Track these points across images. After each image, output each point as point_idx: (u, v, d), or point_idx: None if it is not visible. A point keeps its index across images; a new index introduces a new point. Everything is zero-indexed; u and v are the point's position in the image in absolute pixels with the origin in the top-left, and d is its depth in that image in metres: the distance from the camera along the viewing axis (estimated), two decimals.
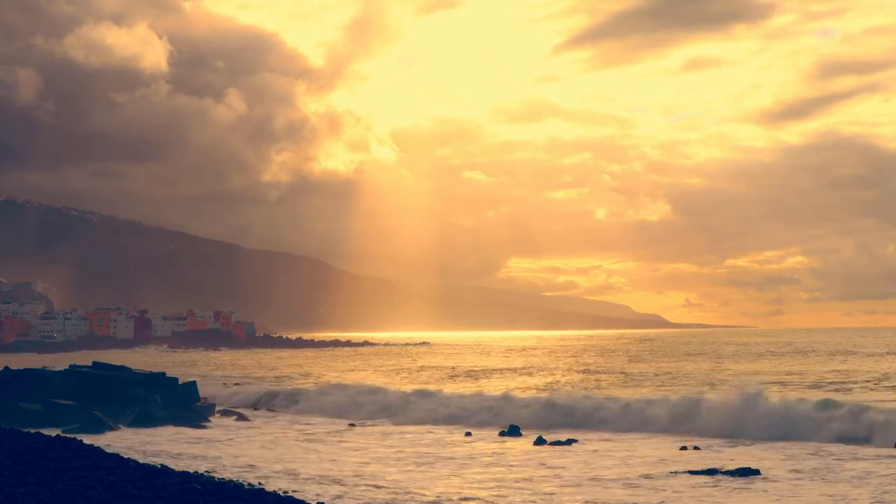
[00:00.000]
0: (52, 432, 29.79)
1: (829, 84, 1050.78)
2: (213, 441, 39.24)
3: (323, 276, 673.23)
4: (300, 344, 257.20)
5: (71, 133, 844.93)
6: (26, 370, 50.39)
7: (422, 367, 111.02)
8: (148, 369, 58.15)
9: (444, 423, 45.59)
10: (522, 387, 71.79)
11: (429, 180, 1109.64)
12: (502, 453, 34.40)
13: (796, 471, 28.88)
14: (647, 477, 28.09)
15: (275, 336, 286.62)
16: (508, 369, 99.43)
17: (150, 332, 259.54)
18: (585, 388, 68.45)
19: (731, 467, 28.93)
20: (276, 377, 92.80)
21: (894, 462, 30.32)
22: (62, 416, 43.47)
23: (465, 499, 24.55)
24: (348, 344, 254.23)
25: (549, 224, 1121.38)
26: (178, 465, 28.74)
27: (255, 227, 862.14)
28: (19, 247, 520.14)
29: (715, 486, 26.44)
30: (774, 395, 45.83)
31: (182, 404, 48.40)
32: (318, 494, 24.53)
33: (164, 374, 52.49)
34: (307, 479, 27.59)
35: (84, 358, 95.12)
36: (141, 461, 24.08)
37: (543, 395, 60.20)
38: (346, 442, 38.93)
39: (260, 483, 25.54)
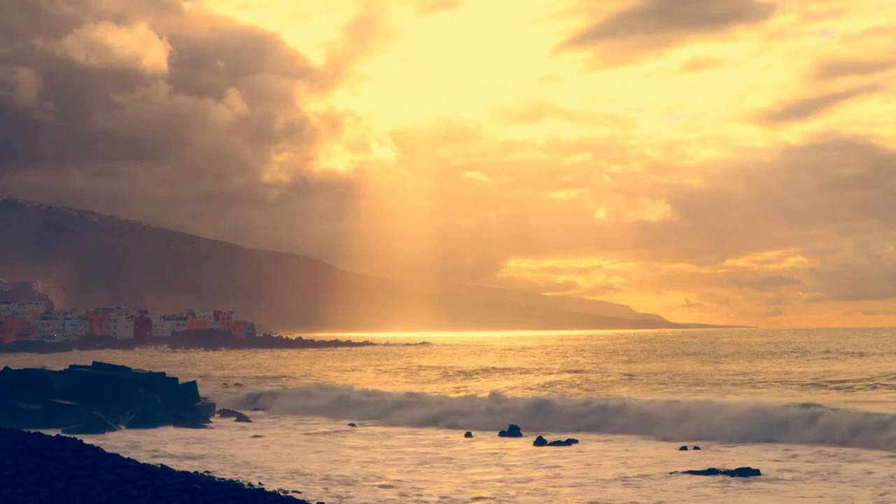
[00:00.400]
0: (52, 432, 29.75)
1: (828, 84, 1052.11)
2: (213, 441, 39.23)
3: (323, 276, 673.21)
4: (300, 344, 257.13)
5: (71, 133, 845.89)
6: (26, 370, 50.37)
7: (420, 366, 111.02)
8: (148, 369, 58.13)
9: (431, 425, 45.41)
10: (513, 387, 71.79)
11: (429, 180, 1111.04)
12: (503, 454, 34.39)
13: (797, 471, 28.88)
14: (648, 477, 28.09)
15: (275, 336, 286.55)
16: (505, 369, 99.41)
17: (150, 332, 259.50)
18: (572, 388, 68.43)
19: (732, 467, 28.93)
20: (276, 377, 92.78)
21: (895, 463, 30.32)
22: (62, 416, 43.47)
23: (474, 499, 24.55)
24: (348, 344, 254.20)
25: (549, 224, 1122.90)
26: (179, 466, 28.73)
27: (255, 227, 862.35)
28: (19, 247, 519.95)
29: (715, 486, 26.43)
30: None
31: (182, 404, 48.40)
32: (322, 494, 24.51)
33: (164, 374, 52.49)
34: (311, 479, 27.58)
35: (84, 358, 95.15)
36: (141, 461, 24.07)
37: (533, 395, 60.26)
38: (347, 442, 38.92)
39: (260, 483, 25.54)
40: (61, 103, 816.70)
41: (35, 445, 23.46)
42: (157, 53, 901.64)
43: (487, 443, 38.33)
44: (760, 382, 70.27)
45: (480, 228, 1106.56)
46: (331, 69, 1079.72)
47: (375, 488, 26.02)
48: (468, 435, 40.91)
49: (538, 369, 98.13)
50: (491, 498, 24.67)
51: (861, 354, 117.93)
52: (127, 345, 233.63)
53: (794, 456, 32.30)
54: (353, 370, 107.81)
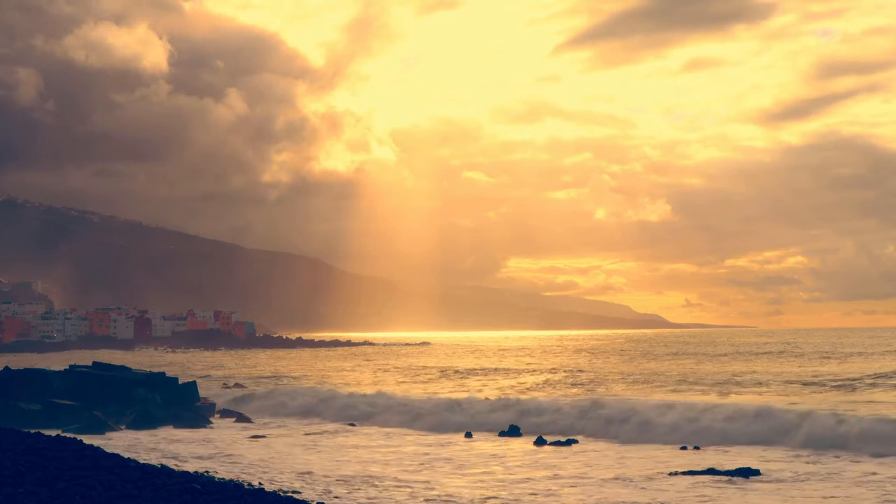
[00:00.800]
0: (52, 432, 29.76)
1: (828, 84, 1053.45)
2: (214, 441, 39.22)
3: (323, 276, 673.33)
4: (300, 344, 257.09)
5: (71, 133, 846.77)
6: (26, 370, 50.35)
7: (420, 367, 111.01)
8: (148, 369, 58.12)
9: (427, 426, 45.25)
10: (511, 386, 71.78)
11: (429, 180, 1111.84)
12: (503, 454, 34.38)
13: (798, 472, 28.86)
14: (648, 477, 28.09)
15: (275, 336, 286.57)
16: (504, 370, 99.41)
17: (150, 332, 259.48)
18: (571, 388, 68.43)
19: (732, 467, 28.92)
20: (275, 377, 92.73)
21: None
22: (62, 416, 43.46)
23: (480, 498, 24.55)
24: (348, 344, 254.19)
25: (549, 224, 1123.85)
26: (180, 466, 28.74)
27: (255, 227, 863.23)
28: (19, 247, 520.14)
29: (715, 486, 26.43)
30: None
31: (182, 404, 48.39)
32: (328, 494, 24.50)
33: (164, 374, 52.49)
34: (316, 479, 27.57)
35: (84, 358, 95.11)
36: (142, 461, 24.07)
37: (532, 395, 60.24)
38: (348, 442, 38.90)
39: (261, 484, 25.54)
40: (61, 103, 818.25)
41: (35, 445, 23.47)
42: (157, 53, 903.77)
43: (488, 443, 38.32)
44: (758, 382, 70.25)
45: (480, 228, 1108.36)
46: (331, 69, 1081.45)
47: (381, 488, 26.00)
48: (468, 435, 40.90)
49: (537, 369, 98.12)
50: (495, 497, 24.66)
51: (860, 354, 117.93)
52: (127, 345, 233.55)
53: (795, 457, 32.26)
54: (353, 370, 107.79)
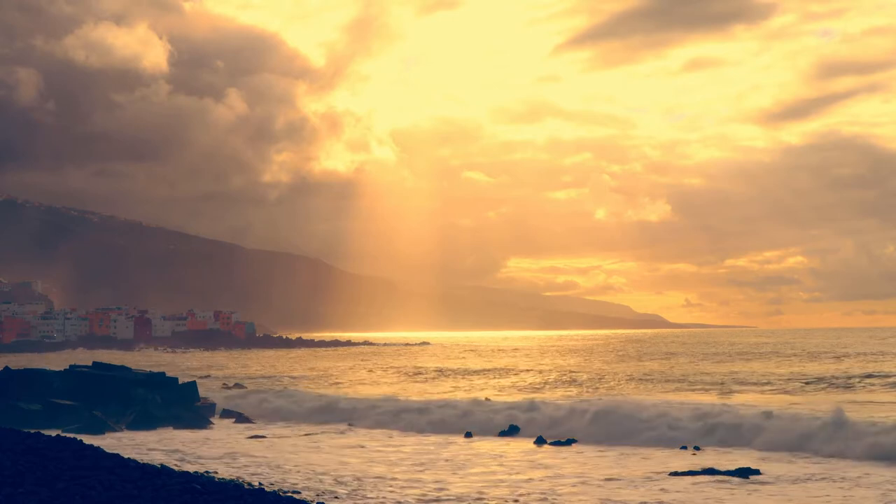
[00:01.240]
0: (52, 432, 29.75)
1: (828, 84, 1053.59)
2: (214, 441, 39.22)
3: (323, 276, 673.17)
4: (300, 344, 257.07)
5: (71, 133, 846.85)
6: (26, 370, 50.33)
7: (421, 367, 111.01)
8: (148, 369, 58.10)
9: (425, 428, 45.15)
10: (511, 386, 71.81)
11: (429, 180, 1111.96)
12: (503, 454, 34.37)
13: (798, 472, 28.84)
14: (648, 477, 28.09)
15: (275, 336, 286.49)
16: (503, 370, 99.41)
17: (150, 332, 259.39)
18: (569, 388, 68.45)
19: (732, 467, 28.91)
20: (275, 377, 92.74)
21: None
22: (62, 416, 43.46)
23: (485, 498, 24.56)
24: (348, 344, 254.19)
25: (549, 224, 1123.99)
26: (180, 466, 28.74)
27: (255, 227, 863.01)
28: (19, 247, 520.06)
29: (715, 486, 26.43)
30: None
31: (182, 404, 48.38)
32: (335, 494, 24.49)
33: (164, 373, 52.45)
34: (320, 479, 27.58)
35: (84, 358, 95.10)
36: (142, 461, 24.07)
37: (531, 395, 60.25)
38: (349, 442, 38.90)
39: (260, 484, 25.54)
40: (61, 103, 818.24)
41: (35, 445, 23.47)
42: (157, 53, 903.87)
43: (487, 443, 38.32)
44: (757, 382, 70.25)
45: (480, 228, 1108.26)
46: (331, 69, 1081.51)
47: (384, 488, 26.01)
48: (468, 435, 40.89)
49: (536, 369, 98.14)
50: (499, 498, 24.66)
51: (858, 354, 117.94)
52: (127, 345, 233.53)
53: (795, 457, 32.21)
54: (352, 370, 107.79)
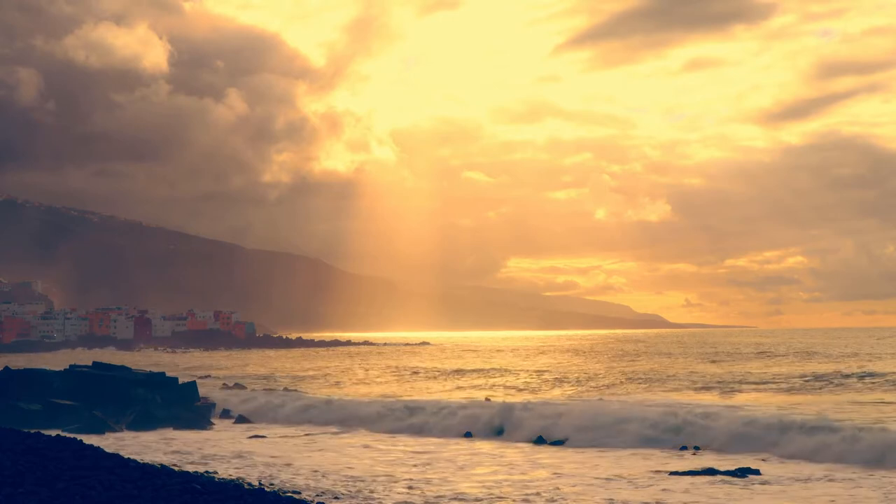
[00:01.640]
0: (52, 432, 29.74)
1: (828, 84, 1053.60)
2: (214, 441, 39.23)
3: (323, 276, 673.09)
4: (300, 344, 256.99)
5: (71, 133, 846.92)
6: (26, 370, 50.36)
7: (420, 367, 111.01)
8: (148, 369, 58.10)
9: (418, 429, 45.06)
10: (510, 386, 71.82)
11: (429, 180, 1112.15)
12: (503, 455, 34.38)
13: (798, 472, 28.84)
14: (649, 477, 28.11)
15: (275, 336, 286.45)
16: (502, 370, 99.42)
17: (150, 332, 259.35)
18: (568, 389, 68.45)
19: (732, 468, 28.92)
20: (275, 377, 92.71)
21: None
22: (62, 416, 43.47)
23: (489, 497, 24.59)
24: (348, 344, 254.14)
25: (549, 224, 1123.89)
26: (181, 466, 28.74)
27: (255, 227, 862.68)
28: (19, 247, 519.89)
29: (715, 486, 26.44)
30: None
31: (182, 404, 48.40)
32: (333, 493, 24.50)
33: (164, 373, 52.47)
34: (321, 479, 27.60)
35: (84, 358, 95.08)
36: (142, 462, 24.07)
37: (530, 396, 60.22)
38: (349, 443, 38.93)
39: (260, 484, 25.54)
40: (61, 103, 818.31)
41: (35, 445, 23.47)
42: (157, 53, 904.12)
43: (487, 443, 38.29)
44: (756, 383, 70.23)
45: (480, 228, 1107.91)
46: (331, 69, 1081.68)
47: (387, 488, 26.02)
48: (468, 435, 40.89)
49: (536, 370, 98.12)
50: (504, 497, 24.68)
51: (855, 354, 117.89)
52: (127, 345, 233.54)
53: (795, 458, 32.17)
54: (352, 370, 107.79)
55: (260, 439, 39.82)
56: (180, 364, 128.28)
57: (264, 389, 67.54)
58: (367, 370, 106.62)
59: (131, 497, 17.96)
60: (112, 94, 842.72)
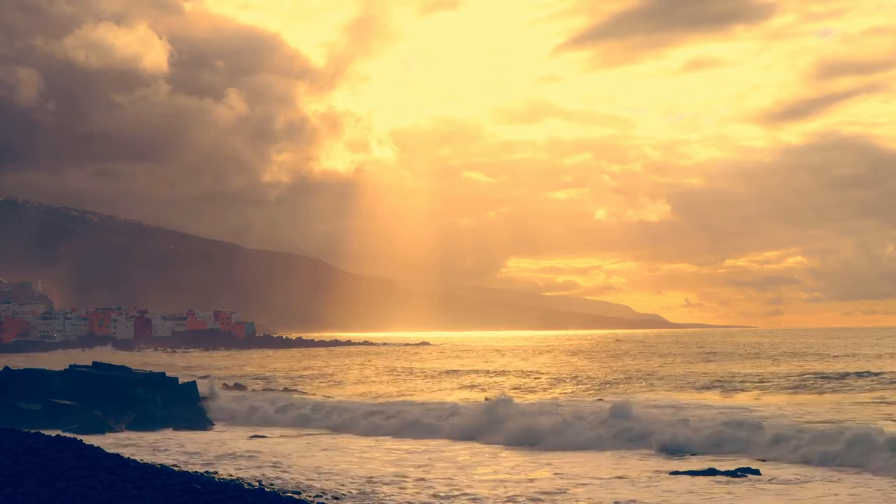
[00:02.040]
0: (52, 432, 29.71)
1: (828, 84, 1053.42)
2: (214, 441, 39.22)
3: (323, 276, 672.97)
4: (300, 344, 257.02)
5: (71, 133, 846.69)
6: (26, 370, 50.34)
7: (419, 368, 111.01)
8: (148, 369, 58.07)
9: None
10: (511, 387, 71.82)
11: (429, 180, 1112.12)
12: (505, 455, 34.38)
13: (799, 472, 28.82)
14: (649, 477, 28.10)
15: (275, 336, 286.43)
16: (499, 370, 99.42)
17: (150, 332, 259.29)
18: (567, 389, 68.45)
19: (732, 468, 28.90)
20: (275, 377, 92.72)
21: None
22: (62, 416, 43.44)
23: (493, 497, 24.57)
24: (348, 344, 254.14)
25: (549, 224, 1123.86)
26: (181, 466, 28.72)
27: (255, 227, 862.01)
28: (19, 247, 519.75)
29: (715, 486, 26.43)
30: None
31: (182, 404, 48.37)
32: (334, 494, 24.48)
33: (164, 373, 52.44)
34: (325, 478, 27.57)
35: (84, 358, 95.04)
36: (142, 461, 24.05)
37: (527, 396, 60.23)
38: (349, 444, 38.92)
39: (260, 483, 25.52)
40: (61, 103, 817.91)
41: (35, 445, 23.45)
42: (158, 53, 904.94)
43: (487, 444, 38.20)
44: (755, 383, 70.25)
45: (480, 228, 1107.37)
46: (331, 69, 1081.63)
47: (391, 487, 26.02)
48: (467, 436, 40.76)
49: (536, 370, 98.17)
50: (511, 498, 24.68)
51: (854, 355, 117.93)
52: (127, 345, 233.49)
53: (794, 458, 32.13)
54: (352, 371, 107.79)
55: (260, 439, 39.80)
56: (180, 364, 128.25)
57: (264, 389, 67.55)
58: (367, 370, 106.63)
59: (131, 497, 17.95)
60: (112, 94, 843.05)
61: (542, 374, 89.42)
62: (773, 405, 50.48)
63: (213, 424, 46.70)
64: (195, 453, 34.62)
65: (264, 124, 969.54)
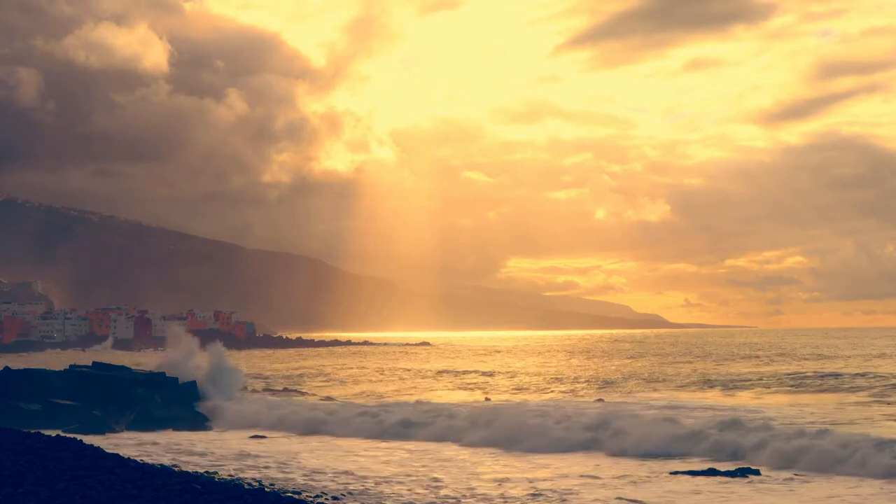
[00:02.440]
0: (52, 432, 29.72)
1: (828, 84, 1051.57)
2: (215, 441, 39.22)
3: (323, 276, 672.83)
4: (300, 344, 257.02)
5: (71, 133, 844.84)
6: (26, 370, 50.33)
7: (419, 369, 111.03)
8: (148, 369, 58.06)
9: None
10: (511, 388, 71.82)
11: (429, 180, 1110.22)
12: (506, 456, 34.36)
13: (799, 472, 28.82)
14: (650, 477, 28.10)
15: (275, 336, 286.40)
16: (498, 371, 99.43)
17: (150, 332, 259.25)
18: (565, 390, 68.45)
19: (732, 468, 28.91)
20: (275, 377, 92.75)
21: None
22: (62, 416, 43.45)
23: (499, 497, 24.58)
24: (348, 344, 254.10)
25: (549, 224, 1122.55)
26: (181, 466, 28.73)
27: (255, 227, 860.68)
28: (19, 247, 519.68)
29: (715, 485, 26.44)
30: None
31: (182, 404, 48.38)
32: (334, 494, 24.50)
33: (164, 374, 52.43)
34: (328, 479, 27.60)
35: (84, 358, 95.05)
36: (142, 461, 24.05)
37: (525, 397, 60.27)
38: (349, 443, 38.93)
39: (260, 483, 25.53)
40: (62, 103, 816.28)
41: (35, 445, 23.45)
42: (158, 53, 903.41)
43: (487, 445, 38.19)
44: (750, 383, 70.26)
45: (480, 228, 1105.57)
46: (331, 69, 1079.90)
47: (392, 489, 26.01)
48: (467, 437, 40.76)
49: (535, 371, 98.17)
50: (520, 496, 24.68)
51: (853, 355, 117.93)
52: (127, 345, 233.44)
53: (795, 459, 32.12)
54: (351, 371, 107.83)
55: (260, 440, 39.81)
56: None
57: (264, 390, 67.57)
58: (366, 370, 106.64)
59: (131, 497, 17.95)
60: (112, 94, 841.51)
61: (540, 374, 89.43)
62: (772, 405, 50.55)
63: (213, 425, 46.67)
64: (195, 453, 34.63)
65: (264, 124, 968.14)
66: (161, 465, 25.41)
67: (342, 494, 24.80)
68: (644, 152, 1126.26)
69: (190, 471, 25.73)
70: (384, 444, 37.94)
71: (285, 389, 69.54)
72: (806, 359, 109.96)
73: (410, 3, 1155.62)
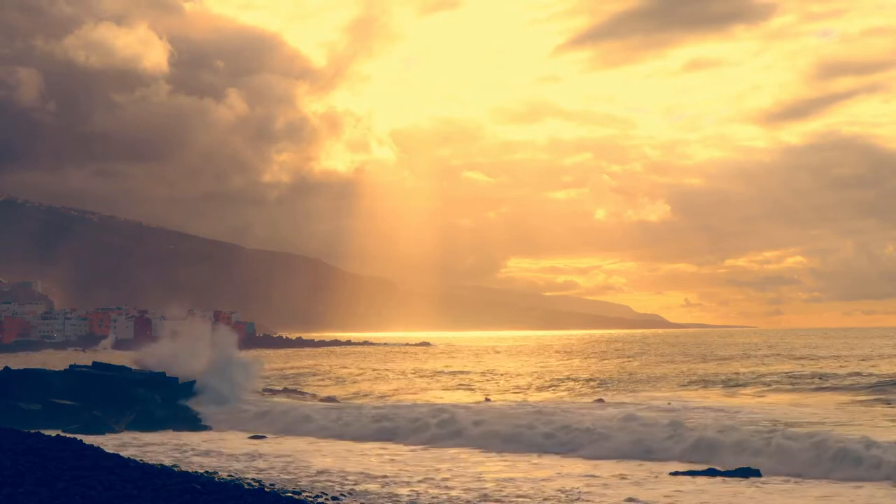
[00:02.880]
0: (52, 432, 29.70)
1: (828, 84, 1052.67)
2: (215, 441, 39.20)
3: (323, 276, 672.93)
4: (300, 344, 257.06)
5: (71, 133, 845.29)
6: (26, 370, 50.31)
7: (419, 369, 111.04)
8: (148, 369, 58.01)
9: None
10: (512, 388, 71.82)
11: (429, 180, 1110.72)
12: (506, 456, 34.34)
13: (799, 472, 28.80)
14: (650, 477, 28.09)
15: (275, 336, 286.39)
16: (499, 372, 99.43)
17: (150, 332, 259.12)
18: (564, 391, 68.45)
19: (732, 468, 28.89)
20: (274, 378, 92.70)
21: None
22: (62, 416, 43.44)
23: (505, 497, 24.56)
24: (348, 344, 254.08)
25: (549, 224, 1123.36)
26: (181, 466, 28.71)
27: (255, 227, 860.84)
28: (19, 247, 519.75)
29: (715, 485, 26.43)
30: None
31: (183, 405, 48.34)
32: (334, 494, 24.48)
33: (164, 374, 52.41)
34: (320, 479, 27.58)
35: (84, 358, 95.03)
36: (142, 461, 24.04)
37: (525, 398, 60.27)
38: (349, 444, 38.92)
39: (260, 483, 25.52)
40: (62, 103, 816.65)
41: (35, 445, 23.43)
42: (158, 53, 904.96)
43: (487, 446, 38.15)
44: (753, 382, 70.27)
45: (480, 228, 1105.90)
46: (331, 69, 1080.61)
47: (393, 489, 26.02)
48: (466, 437, 40.74)
49: (535, 371, 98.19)
50: (525, 496, 24.66)
51: (853, 355, 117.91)
52: (127, 345, 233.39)
53: (796, 459, 32.09)
54: (351, 371, 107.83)
55: (260, 440, 39.78)
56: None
57: (264, 390, 67.45)
58: (366, 370, 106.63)
59: (131, 497, 17.94)
60: (112, 94, 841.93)
61: (540, 374, 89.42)
62: (773, 405, 50.56)
63: (213, 425, 46.64)
64: (195, 453, 34.62)
65: (264, 124, 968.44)
66: (161, 465, 25.40)
67: (343, 494, 24.79)
68: (644, 152, 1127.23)
69: (190, 471, 25.72)
70: (384, 444, 37.91)
71: (285, 389, 69.44)
72: (806, 359, 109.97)
73: (410, 3, 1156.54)
